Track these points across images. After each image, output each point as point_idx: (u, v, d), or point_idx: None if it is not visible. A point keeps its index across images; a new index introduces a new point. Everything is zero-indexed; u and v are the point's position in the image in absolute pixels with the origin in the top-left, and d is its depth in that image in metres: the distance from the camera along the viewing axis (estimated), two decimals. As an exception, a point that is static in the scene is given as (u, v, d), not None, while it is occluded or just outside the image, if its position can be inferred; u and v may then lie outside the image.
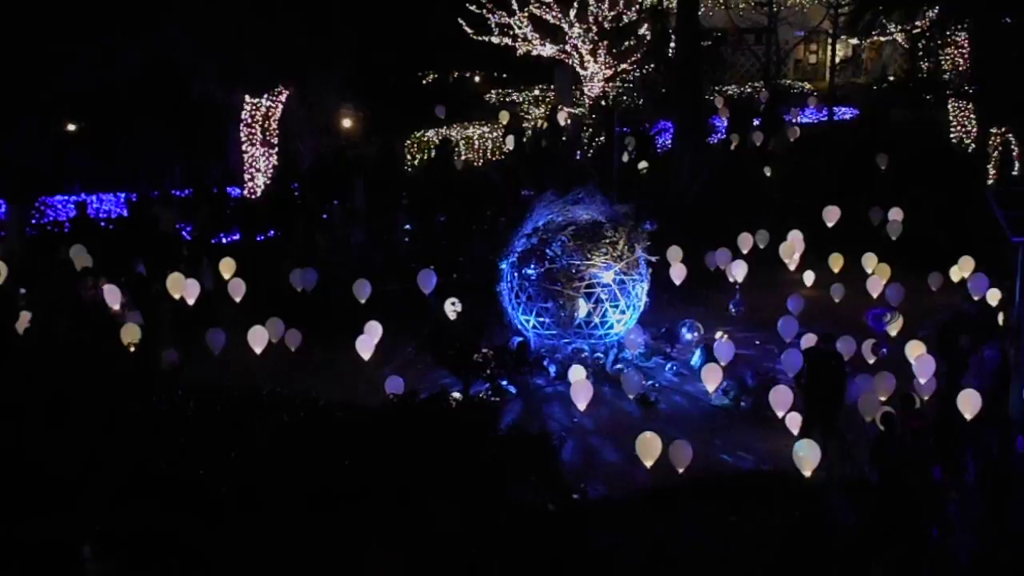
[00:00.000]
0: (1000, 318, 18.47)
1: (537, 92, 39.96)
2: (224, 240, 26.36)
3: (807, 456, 14.04)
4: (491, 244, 20.86)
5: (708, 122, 31.76)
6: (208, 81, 27.90)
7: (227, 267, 21.65)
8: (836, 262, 22.86)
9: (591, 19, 35.44)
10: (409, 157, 33.83)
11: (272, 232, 26.09)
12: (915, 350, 17.59)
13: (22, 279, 20.60)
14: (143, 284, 20.59)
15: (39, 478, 12.35)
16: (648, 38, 36.13)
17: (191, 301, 20.19)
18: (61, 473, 12.36)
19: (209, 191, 27.84)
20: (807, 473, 13.93)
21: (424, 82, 41.32)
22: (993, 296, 20.11)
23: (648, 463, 14.40)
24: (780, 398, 16.12)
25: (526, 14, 35.30)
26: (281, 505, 11.81)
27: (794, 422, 15.74)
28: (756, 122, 32.72)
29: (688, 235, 22.97)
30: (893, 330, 19.29)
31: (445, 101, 35.17)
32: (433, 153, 34.21)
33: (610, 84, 36.11)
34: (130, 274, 20.64)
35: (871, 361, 18.17)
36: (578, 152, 29.49)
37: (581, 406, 16.62)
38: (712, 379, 17.40)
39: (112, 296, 18.90)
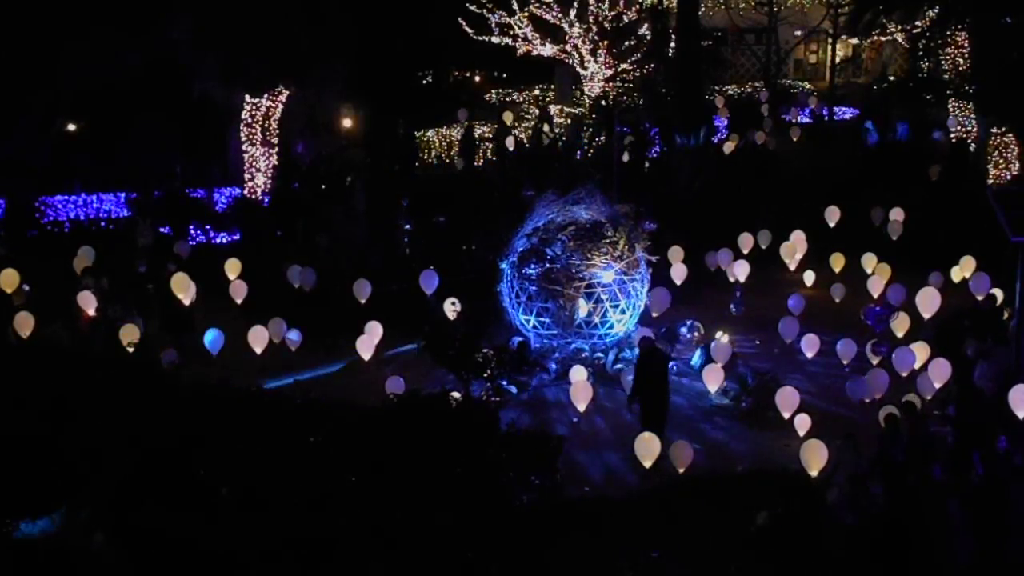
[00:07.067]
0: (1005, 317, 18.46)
1: (537, 92, 39.96)
2: (224, 240, 26.44)
3: (814, 456, 14.00)
4: (491, 244, 20.85)
5: (708, 122, 31.74)
6: (209, 81, 27.90)
7: (232, 268, 21.69)
8: (837, 262, 22.86)
9: (591, 19, 35.43)
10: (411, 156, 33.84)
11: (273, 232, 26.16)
12: (919, 351, 17.61)
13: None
14: (141, 284, 20.65)
15: (41, 477, 12.38)
16: (648, 38, 36.12)
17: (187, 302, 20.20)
18: (62, 472, 12.39)
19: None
20: (814, 473, 13.90)
21: (424, 81, 41.30)
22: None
23: (647, 463, 14.40)
24: (786, 399, 16.13)
25: (526, 14, 35.30)
26: (281, 504, 11.82)
27: (802, 423, 15.73)
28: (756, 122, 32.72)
29: (688, 235, 22.96)
30: (899, 330, 19.22)
31: (455, 102, 35.27)
32: (433, 153, 34.36)
33: (610, 84, 36.10)
34: (131, 274, 20.71)
35: (875, 362, 18.17)
36: (578, 152, 29.46)
37: (581, 407, 16.60)
38: (713, 379, 17.41)
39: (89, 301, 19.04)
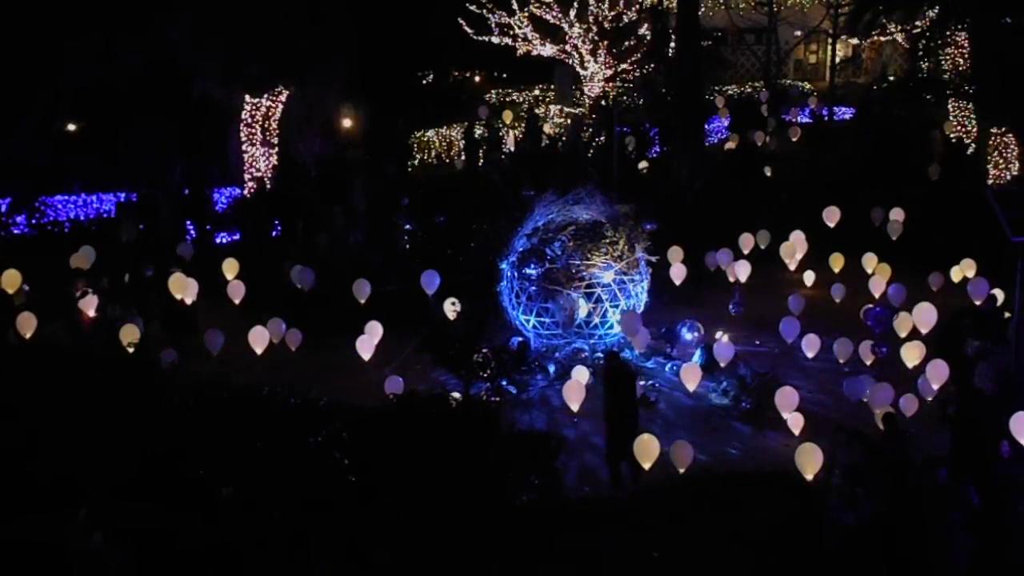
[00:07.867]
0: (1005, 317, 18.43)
1: (537, 92, 39.99)
2: (225, 240, 26.44)
3: (808, 459, 14.00)
4: (491, 244, 20.84)
5: (705, 123, 31.77)
6: (209, 81, 27.92)
7: (230, 268, 21.71)
8: (837, 262, 22.86)
9: (591, 19, 35.45)
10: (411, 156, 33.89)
11: (274, 232, 26.19)
12: (916, 350, 17.60)
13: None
14: (141, 284, 20.67)
15: (41, 477, 12.40)
16: (648, 38, 36.14)
17: (189, 301, 20.21)
18: (62, 472, 12.40)
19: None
20: (809, 476, 13.91)
21: (424, 82, 41.34)
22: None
23: (646, 465, 14.38)
24: (786, 399, 16.14)
25: (526, 14, 35.31)
26: (282, 504, 11.83)
27: (795, 422, 15.76)
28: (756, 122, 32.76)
29: (688, 235, 22.96)
30: (902, 331, 19.20)
31: (456, 102, 35.36)
32: (433, 153, 34.36)
33: (610, 84, 36.11)
34: (136, 276, 20.75)
35: (868, 362, 18.18)
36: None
37: (574, 407, 16.56)
38: (691, 378, 17.41)
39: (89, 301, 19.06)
